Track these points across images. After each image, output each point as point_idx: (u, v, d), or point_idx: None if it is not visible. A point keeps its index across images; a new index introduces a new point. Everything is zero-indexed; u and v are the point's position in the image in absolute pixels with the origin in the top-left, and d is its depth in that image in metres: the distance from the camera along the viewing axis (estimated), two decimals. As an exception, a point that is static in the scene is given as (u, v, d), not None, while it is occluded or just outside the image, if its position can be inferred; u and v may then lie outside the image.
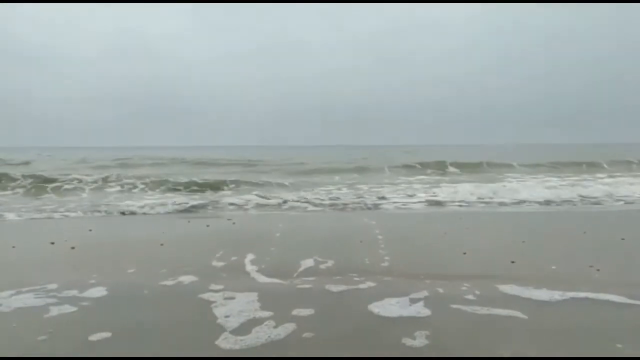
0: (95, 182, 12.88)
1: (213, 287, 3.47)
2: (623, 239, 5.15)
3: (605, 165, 20.56)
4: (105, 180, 13.11)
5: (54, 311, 2.99)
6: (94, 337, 2.55)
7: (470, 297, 3.18)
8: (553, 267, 4.01)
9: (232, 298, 3.20)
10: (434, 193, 10.69)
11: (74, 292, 3.36)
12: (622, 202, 9.24)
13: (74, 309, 3.03)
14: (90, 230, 6.24)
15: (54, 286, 3.51)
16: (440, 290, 3.34)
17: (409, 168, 19.56)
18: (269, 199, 9.84)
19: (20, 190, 11.87)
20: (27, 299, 3.22)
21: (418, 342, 2.46)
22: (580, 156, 24.67)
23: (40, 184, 12.37)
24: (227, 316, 2.84)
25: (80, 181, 12.75)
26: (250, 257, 4.47)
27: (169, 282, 3.64)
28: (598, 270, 3.89)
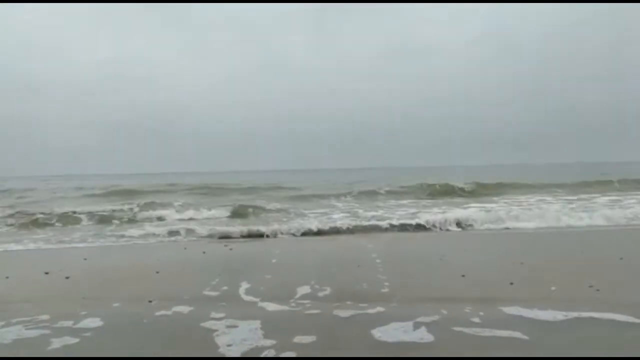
0: (95, 211, 12.73)
1: (214, 315, 3.42)
2: (621, 259, 5.16)
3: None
4: (104, 209, 12.97)
5: (47, 344, 2.91)
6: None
7: (473, 319, 3.16)
8: (553, 288, 4.00)
9: (235, 326, 3.14)
10: (429, 214, 10.67)
11: (68, 324, 3.29)
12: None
13: (72, 341, 2.95)
14: (85, 259, 6.16)
15: (46, 317, 3.44)
16: (442, 313, 3.32)
17: (410, 190, 19.00)
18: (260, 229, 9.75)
19: (18, 221, 11.68)
20: (19, 331, 3.15)
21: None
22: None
23: (40, 214, 12.25)
24: (229, 345, 2.79)
25: (76, 212, 12.55)
26: (248, 284, 4.42)
27: (166, 312, 3.57)
28: (598, 290, 3.88)
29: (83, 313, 3.53)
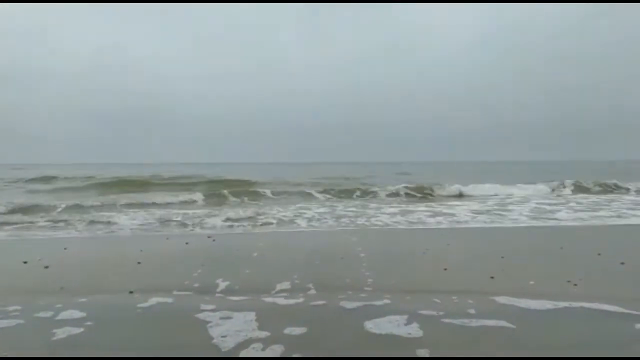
0: (72, 203, 12.44)
1: (198, 307, 3.39)
2: (599, 254, 5.26)
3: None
4: (82, 201, 12.70)
5: (19, 337, 2.83)
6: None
7: (459, 311, 3.22)
8: (531, 282, 4.08)
9: (229, 318, 3.13)
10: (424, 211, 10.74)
11: (43, 315, 3.21)
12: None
13: (48, 332, 2.88)
14: (66, 248, 6.04)
15: (18, 307, 3.36)
16: (428, 305, 3.37)
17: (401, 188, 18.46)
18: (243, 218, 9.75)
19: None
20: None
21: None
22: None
23: (21, 202, 11.97)
24: (223, 336, 2.77)
25: (53, 206, 12.20)
26: (227, 277, 4.37)
27: (146, 303, 3.51)
28: (575, 285, 3.97)
29: (59, 305, 3.43)
